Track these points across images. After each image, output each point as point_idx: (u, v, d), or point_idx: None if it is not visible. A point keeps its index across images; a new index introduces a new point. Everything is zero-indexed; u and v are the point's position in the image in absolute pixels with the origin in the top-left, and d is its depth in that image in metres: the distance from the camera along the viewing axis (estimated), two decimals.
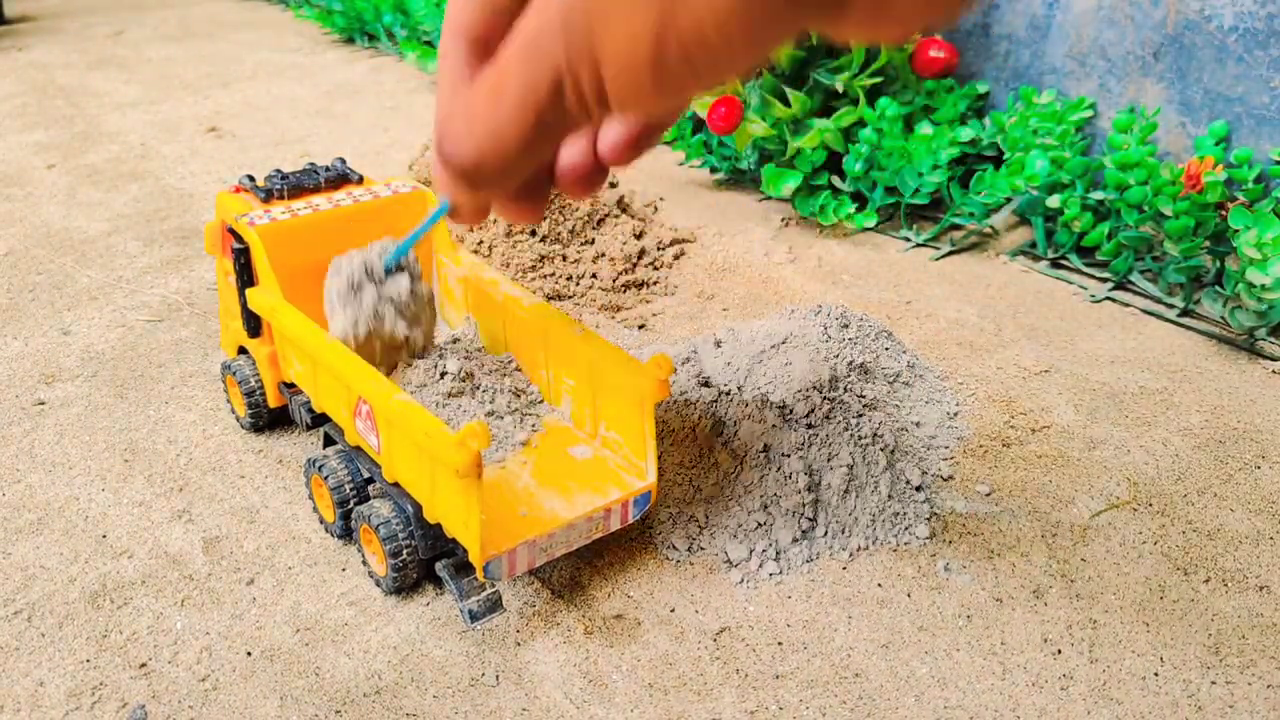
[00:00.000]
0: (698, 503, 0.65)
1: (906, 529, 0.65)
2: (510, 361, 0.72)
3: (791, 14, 0.28)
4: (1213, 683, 0.54)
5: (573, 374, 0.66)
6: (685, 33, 0.28)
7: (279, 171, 0.76)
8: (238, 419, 0.78)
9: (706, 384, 0.71)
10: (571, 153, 0.43)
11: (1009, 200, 1.07)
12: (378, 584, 0.62)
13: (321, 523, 0.67)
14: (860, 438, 0.66)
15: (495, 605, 0.58)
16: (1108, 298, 0.97)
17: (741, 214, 1.17)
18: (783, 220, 1.15)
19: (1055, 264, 1.04)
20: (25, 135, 1.55)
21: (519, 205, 0.44)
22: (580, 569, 0.63)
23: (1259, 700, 0.53)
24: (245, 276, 0.71)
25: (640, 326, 0.92)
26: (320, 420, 0.69)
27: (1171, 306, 0.94)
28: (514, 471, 0.64)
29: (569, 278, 0.97)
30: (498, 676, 0.56)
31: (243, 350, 0.76)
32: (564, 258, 0.98)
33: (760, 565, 0.62)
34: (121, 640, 0.59)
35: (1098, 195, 1.00)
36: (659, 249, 1.04)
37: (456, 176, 0.39)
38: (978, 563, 0.63)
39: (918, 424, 0.74)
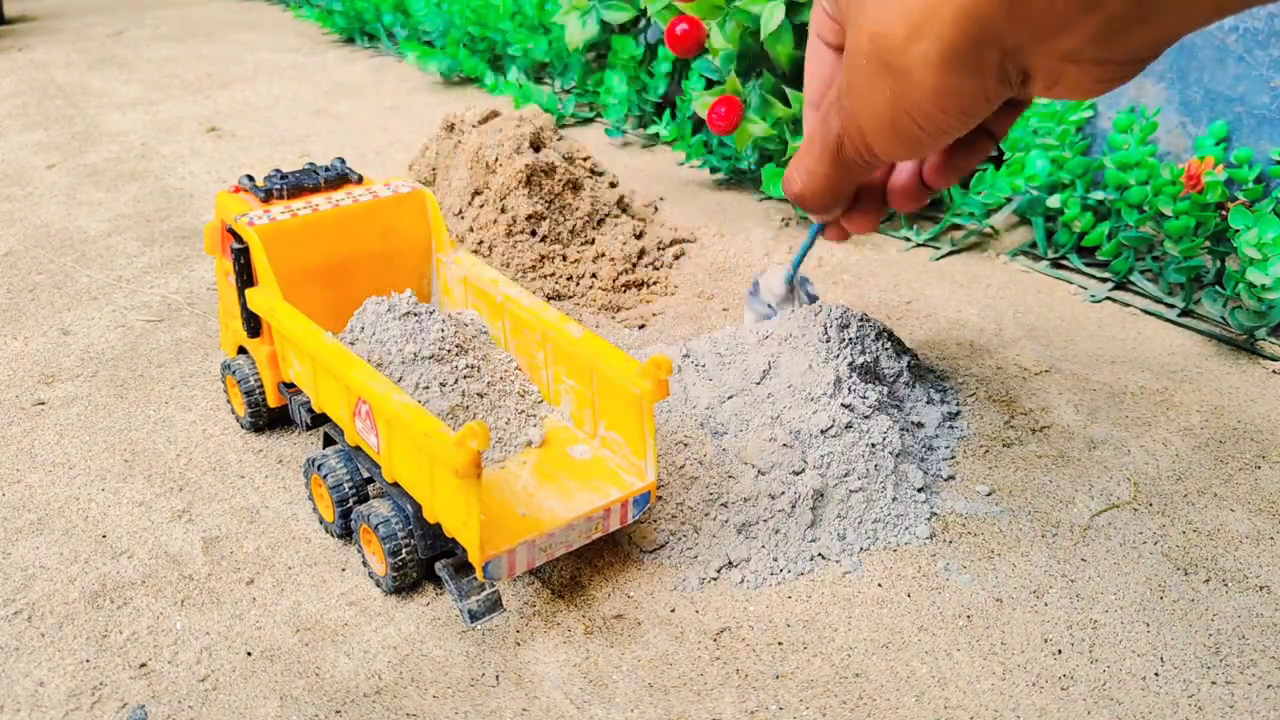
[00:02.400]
0: (698, 503, 0.65)
1: (907, 529, 0.65)
2: (510, 361, 0.72)
3: (982, 100, 0.41)
4: (1213, 683, 0.54)
5: (573, 374, 0.66)
6: (911, 109, 0.42)
7: (278, 171, 0.76)
8: (238, 419, 0.78)
9: (706, 384, 0.71)
10: (900, 176, 0.59)
11: (1009, 200, 1.07)
12: (378, 584, 0.62)
13: (321, 523, 0.67)
14: (871, 445, 0.66)
15: (495, 605, 0.58)
16: (1108, 298, 0.97)
17: (741, 214, 1.17)
18: (783, 220, 1.15)
19: (1055, 264, 1.04)
20: (25, 135, 1.55)
21: (853, 219, 0.62)
22: (580, 569, 0.63)
23: (1259, 700, 0.53)
24: (245, 276, 0.71)
25: (640, 326, 0.92)
26: (320, 420, 0.69)
27: (1171, 306, 0.94)
28: (513, 471, 0.64)
29: (569, 278, 0.97)
30: (498, 676, 0.56)
31: (243, 350, 0.76)
32: (564, 258, 0.98)
33: (760, 565, 0.62)
34: (121, 640, 0.59)
35: (1098, 195, 1.00)
36: (659, 249, 1.04)
37: (796, 204, 0.58)
38: (978, 563, 0.63)
39: (918, 424, 0.74)
